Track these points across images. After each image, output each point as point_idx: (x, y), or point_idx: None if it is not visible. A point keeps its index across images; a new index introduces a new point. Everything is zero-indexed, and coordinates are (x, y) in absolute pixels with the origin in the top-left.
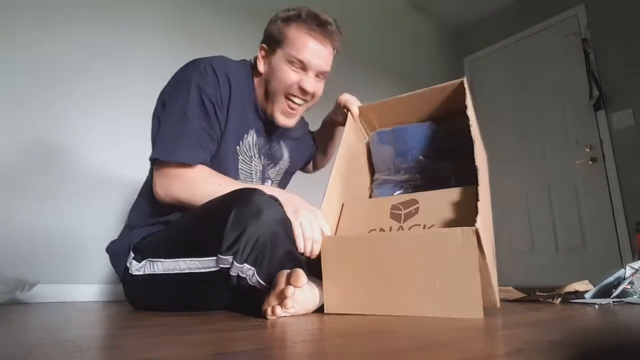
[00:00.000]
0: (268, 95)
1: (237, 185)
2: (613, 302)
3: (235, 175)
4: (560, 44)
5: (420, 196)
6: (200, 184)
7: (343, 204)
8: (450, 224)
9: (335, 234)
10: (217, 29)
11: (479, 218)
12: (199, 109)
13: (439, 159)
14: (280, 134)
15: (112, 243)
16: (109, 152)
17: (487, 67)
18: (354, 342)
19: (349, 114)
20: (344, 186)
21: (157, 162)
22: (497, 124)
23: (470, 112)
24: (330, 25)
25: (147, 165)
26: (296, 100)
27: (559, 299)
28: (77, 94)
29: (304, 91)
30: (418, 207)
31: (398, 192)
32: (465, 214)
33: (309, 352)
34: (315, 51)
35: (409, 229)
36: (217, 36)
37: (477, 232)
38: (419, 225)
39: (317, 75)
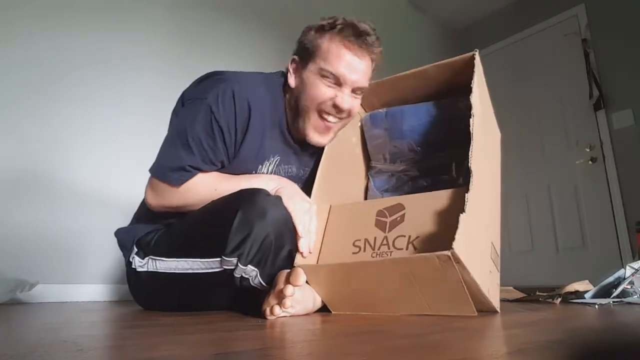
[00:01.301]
0: (299, 111)
1: (235, 185)
2: (613, 302)
3: None
4: (560, 44)
5: (408, 200)
6: (193, 195)
7: (331, 207)
8: (436, 235)
9: (322, 243)
10: (217, 32)
11: (458, 236)
12: (204, 133)
13: (438, 149)
14: (316, 156)
15: (120, 230)
16: (111, 152)
17: (487, 67)
18: (354, 342)
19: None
20: (332, 185)
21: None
22: (497, 124)
23: (476, 97)
24: (369, 36)
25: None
26: (330, 118)
27: (559, 299)
28: (79, 95)
29: (338, 109)
30: (404, 214)
31: (393, 184)
32: (454, 223)
33: (309, 352)
34: (351, 65)
35: (393, 241)
36: (217, 39)
37: (454, 256)
38: (404, 236)
39: (353, 91)
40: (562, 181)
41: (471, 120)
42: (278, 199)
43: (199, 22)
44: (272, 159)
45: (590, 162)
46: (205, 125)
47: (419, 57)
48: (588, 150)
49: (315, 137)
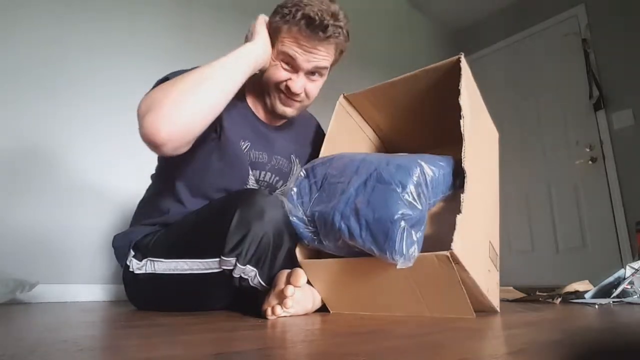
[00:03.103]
0: (262, 89)
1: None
2: (613, 302)
3: (245, 180)
4: (560, 44)
5: None
6: (183, 86)
7: None
8: (436, 235)
9: None
10: (217, 30)
11: (456, 237)
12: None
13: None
14: (288, 144)
15: (116, 237)
16: (112, 151)
17: (487, 67)
18: (354, 342)
19: (338, 103)
20: None
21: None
22: (497, 124)
23: (464, 99)
24: (327, 30)
25: (150, 166)
26: (286, 94)
27: (559, 299)
28: (78, 93)
29: (289, 91)
30: None
31: None
32: (452, 223)
33: (309, 352)
34: (302, 55)
35: None
36: (217, 37)
37: (452, 256)
38: None
39: (310, 74)
40: (562, 181)
41: (461, 121)
42: (277, 198)
43: (204, 17)
44: (244, 143)
45: (590, 162)
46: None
47: (419, 57)
48: (588, 150)
49: (280, 107)
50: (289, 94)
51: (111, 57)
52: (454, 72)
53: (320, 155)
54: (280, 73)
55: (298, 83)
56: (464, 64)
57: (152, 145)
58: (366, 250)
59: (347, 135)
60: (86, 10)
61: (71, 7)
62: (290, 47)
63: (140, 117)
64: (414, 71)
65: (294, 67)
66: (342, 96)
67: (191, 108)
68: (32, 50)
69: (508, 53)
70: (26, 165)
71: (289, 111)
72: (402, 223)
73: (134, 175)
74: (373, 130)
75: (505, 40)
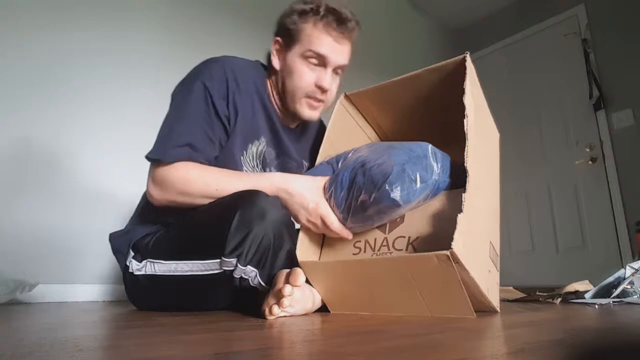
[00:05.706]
0: (287, 93)
1: (234, 185)
2: (613, 302)
3: None
4: (560, 44)
5: None
6: (193, 185)
7: None
8: (435, 236)
9: (323, 244)
10: (217, 31)
11: (456, 236)
12: (200, 108)
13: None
14: (297, 148)
15: (113, 235)
16: (111, 151)
17: (487, 67)
18: (354, 342)
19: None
20: None
21: (151, 164)
22: (497, 124)
23: (469, 99)
24: (350, 22)
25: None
26: (317, 95)
27: (559, 299)
28: (78, 96)
29: (322, 89)
30: (404, 215)
31: None
32: (452, 223)
33: (308, 352)
34: (334, 48)
35: (393, 242)
36: (217, 38)
37: (453, 255)
38: (404, 237)
39: (334, 71)
40: (562, 181)
41: (465, 121)
42: (277, 199)
43: (199, 16)
44: (261, 140)
45: (590, 162)
46: (200, 101)
47: (419, 57)
48: (588, 150)
49: (306, 113)
50: (320, 94)
51: (110, 59)
52: (457, 72)
53: (319, 155)
54: (310, 74)
55: (328, 78)
56: (469, 64)
57: (150, 193)
58: (366, 194)
59: (347, 134)
60: (84, 12)
61: (69, 13)
62: (321, 44)
63: (154, 178)
64: (417, 70)
65: (322, 63)
66: (343, 95)
67: (191, 205)
68: (30, 53)
69: (508, 53)
70: (27, 167)
71: (315, 115)
72: (403, 167)
73: (134, 176)
74: (374, 129)
75: (505, 40)
